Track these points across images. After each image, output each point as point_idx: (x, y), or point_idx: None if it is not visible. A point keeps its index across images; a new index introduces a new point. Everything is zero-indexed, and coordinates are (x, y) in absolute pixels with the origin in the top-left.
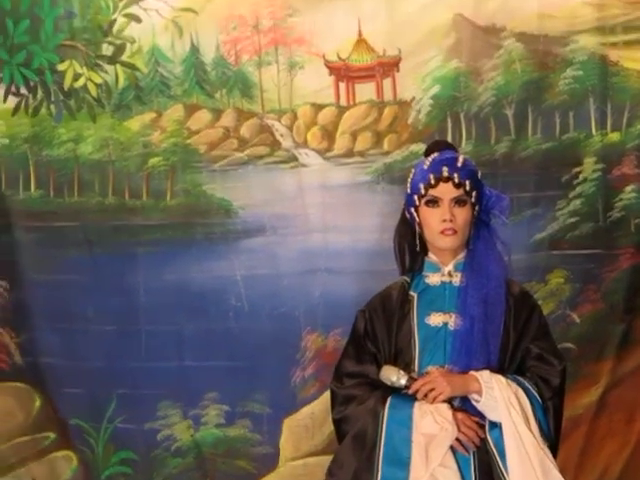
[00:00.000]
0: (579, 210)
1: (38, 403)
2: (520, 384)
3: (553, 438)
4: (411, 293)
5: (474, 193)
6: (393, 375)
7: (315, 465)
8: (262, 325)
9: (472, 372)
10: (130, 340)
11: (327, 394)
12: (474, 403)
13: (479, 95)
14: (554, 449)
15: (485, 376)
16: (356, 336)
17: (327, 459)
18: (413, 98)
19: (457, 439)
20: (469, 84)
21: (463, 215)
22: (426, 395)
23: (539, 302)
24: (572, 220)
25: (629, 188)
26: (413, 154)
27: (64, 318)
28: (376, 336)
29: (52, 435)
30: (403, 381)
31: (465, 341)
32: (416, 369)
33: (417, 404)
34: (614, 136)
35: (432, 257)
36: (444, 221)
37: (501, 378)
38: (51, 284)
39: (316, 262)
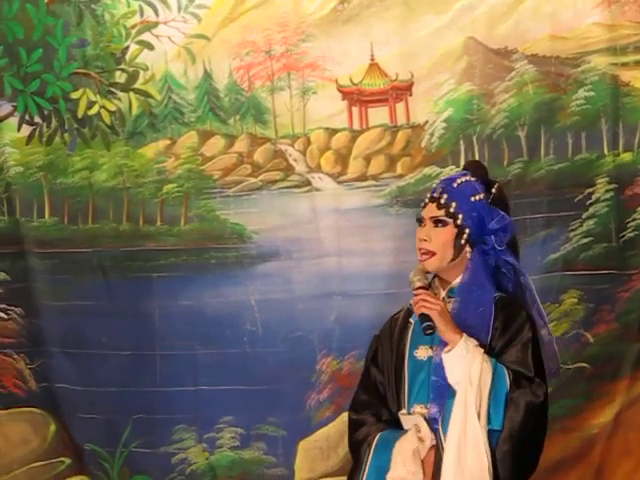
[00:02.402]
0: (592, 230)
1: (53, 428)
2: (495, 367)
3: (501, 426)
4: (410, 320)
5: (461, 216)
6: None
7: None
8: (277, 349)
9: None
10: (145, 365)
11: (342, 417)
12: (443, 354)
13: (492, 117)
14: (519, 447)
15: (470, 339)
16: (366, 364)
17: None
18: (426, 121)
19: None
20: (482, 106)
21: (440, 236)
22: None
23: (553, 323)
24: (585, 240)
25: None
26: (426, 177)
27: (79, 344)
28: (383, 362)
29: (67, 460)
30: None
31: (443, 375)
32: (405, 403)
33: (396, 448)
34: (626, 156)
35: (435, 282)
36: (419, 240)
37: (481, 353)
38: (66, 310)
39: (331, 286)
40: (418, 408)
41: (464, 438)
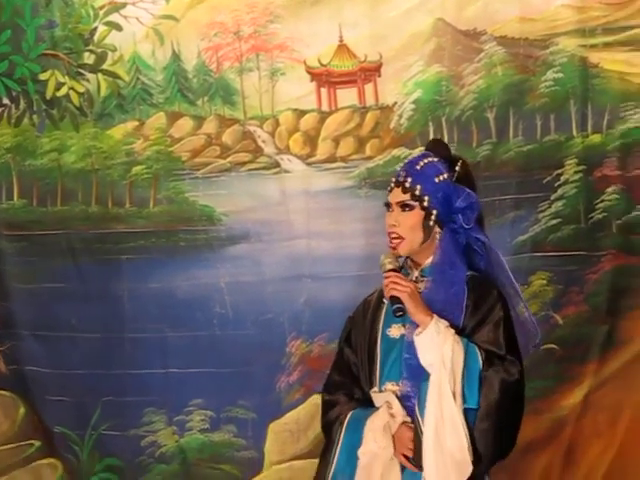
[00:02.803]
0: (561, 212)
1: (22, 411)
2: (467, 347)
3: (477, 404)
4: (384, 300)
5: (427, 198)
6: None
7: (300, 469)
8: (247, 332)
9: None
10: (115, 348)
11: (312, 399)
12: (414, 335)
13: (460, 99)
14: (498, 425)
15: (441, 321)
16: (340, 345)
17: (312, 462)
18: (395, 103)
19: (404, 455)
20: (450, 88)
21: (408, 220)
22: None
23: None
24: (554, 222)
25: (610, 189)
26: (395, 158)
27: (48, 326)
28: (356, 343)
29: (37, 443)
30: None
31: (415, 353)
32: (377, 382)
33: (368, 425)
34: (595, 138)
35: (407, 262)
36: (389, 226)
37: (452, 334)
38: (35, 293)
39: (300, 268)
40: (390, 385)
41: (442, 420)
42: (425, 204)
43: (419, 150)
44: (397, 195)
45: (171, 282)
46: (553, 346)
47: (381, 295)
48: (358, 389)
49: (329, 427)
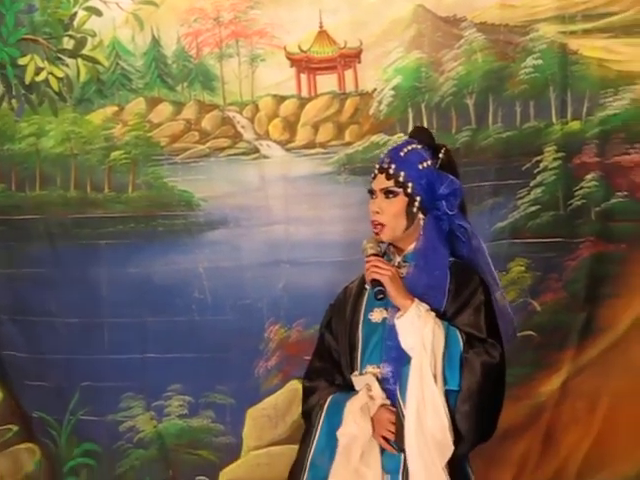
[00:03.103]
0: (540, 199)
1: (0, 396)
2: (447, 330)
3: (458, 386)
4: (366, 286)
5: (411, 184)
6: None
7: (278, 454)
8: (225, 317)
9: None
10: (93, 333)
11: (290, 385)
12: (395, 319)
13: (440, 85)
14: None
15: (421, 304)
16: (321, 331)
17: (290, 448)
18: (374, 89)
19: (383, 438)
20: (430, 75)
21: (392, 207)
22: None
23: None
24: (533, 209)
25: (589, 177)
26: (374, 145)
27: (26, 311)
28: (337, 329)
29: (15, 428)
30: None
31: (396, 336)
32: (358, 366)
33: (347, 407)
34: (574, 125)
35: (390, 248)
36: (372, 213)
37: (432, 317)
38: (13, 277)
39: (279, 254)
40: (370, 369)
41: (423, 402)
42: (409, 190)
43: (398, 136)
44: (381, 182)
45: (149, 267)
46: (531, 333)
47: (363, 282)
48: (339, 375)
49: (309, 414)
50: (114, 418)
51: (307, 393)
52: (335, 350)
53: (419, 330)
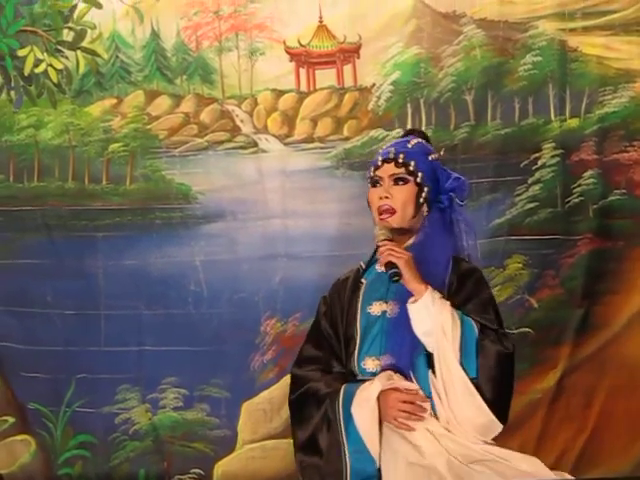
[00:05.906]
0: (538, 196)
1: None
2: (462, 318)
3: (476, 373)
4: (362, 280)
5: (420, 174)
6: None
7: (273, 448)
8: (221, 310)
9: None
10: (89, 325)
11: (286, 379)
12: (409, 304)
13: (439, 81)
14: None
15: (435, 291)
16: (316, 321)
17: (285, 442)
18: (373, 84)
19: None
20: (429, 70)
21: (402, 194)
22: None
23: (497, 287)
24: (531, 205)
25: (587, 174)
26: (373, 140)
27: (23, 302)
28: (334, 321)
29: (10, 419)
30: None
31: (399, 329)
32: (356, 359)
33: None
34: (573, 122)
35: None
36: (381, 198)
37: (447, 304)
38: (10, 268)
39: (276, 247)
40: (370, 361)
41: (453, 389)
42: (419, 180)
43: (396, 132)
44: (390, 169)
45: (146, 260)
46: (528, 329)
47: (358, 276)
48: (336, 361)
49: (301, 403)
50: (110, 410)
51: (296, 381)
52: (331, 336)
53: (435, 316)
